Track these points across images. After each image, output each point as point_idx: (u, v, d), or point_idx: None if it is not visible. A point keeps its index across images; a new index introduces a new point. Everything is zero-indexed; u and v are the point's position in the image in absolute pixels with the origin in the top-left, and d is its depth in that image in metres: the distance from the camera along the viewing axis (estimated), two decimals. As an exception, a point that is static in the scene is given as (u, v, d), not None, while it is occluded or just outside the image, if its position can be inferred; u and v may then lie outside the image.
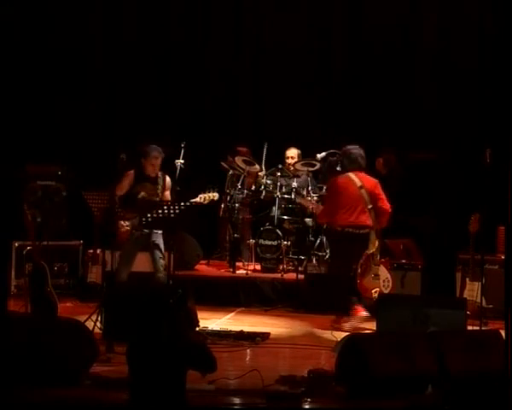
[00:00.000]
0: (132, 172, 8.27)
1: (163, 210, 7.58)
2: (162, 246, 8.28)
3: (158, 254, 8.27)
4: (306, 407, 5.93)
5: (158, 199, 8.20)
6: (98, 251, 9.79)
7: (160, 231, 8.22)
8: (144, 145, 8.36)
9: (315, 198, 10.08)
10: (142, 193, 8.25)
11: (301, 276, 9.96)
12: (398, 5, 11.36)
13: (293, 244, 10.47)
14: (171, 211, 7.55)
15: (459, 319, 7.23)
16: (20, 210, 8.33)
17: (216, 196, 8.29)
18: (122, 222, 8.02)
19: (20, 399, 5.72)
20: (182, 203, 7.64)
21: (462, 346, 6.23)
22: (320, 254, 10.26)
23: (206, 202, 8.16)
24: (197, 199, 8.10)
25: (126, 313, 7.15)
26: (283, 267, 10.27)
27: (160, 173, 8.38)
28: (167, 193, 8.35)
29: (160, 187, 8.31)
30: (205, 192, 8.18)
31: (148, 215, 7.65)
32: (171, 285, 7.81)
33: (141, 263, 8.76)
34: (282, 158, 10.85)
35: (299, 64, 11.75)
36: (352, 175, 8.55)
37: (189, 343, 5.06)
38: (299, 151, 10.81)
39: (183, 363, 4.99)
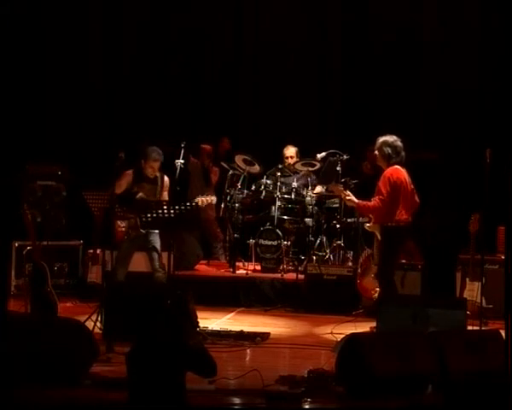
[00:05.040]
0: (131, 172, 8.31)
1: (162, 211, 7.60)
2: (159, 245, 8.34)
3: (155, 253, 8.32)
4: (306, 407, 5.93)
5: (156, 199, 8.22)
6: (98, 251, 9.80)
7: (156, 231, 8.29)
8: (145, 146, 8.39)
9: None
10: (141, 193, 8.28)
11: (301, 276, 9.97)
12: (399, 5, 11.36)
13: (293, 244, 10.48)
14: (170, 212, 7.58)
15: (459, 319, 7.23)
16: (20, 210, 8.33)
17: (214, 199, 8.43)
18: (119, 222, 8.07)
19: (20, 399, 5.72)
20: (180, 206, 7.68)
21: (462, 346, 6.23)
22: (320, 254, 10.26)
23: (203, 205, 8.28)
24: (194, 203, 8.13)
25: (126, 313, 7.17)
26: (283, 267, 10.26)
27: (158, 174, 8.41)
28: (165, 193, 8.40)
29: (158, 188, 8.36)
30: (203, 196, 8.30)
31: (148, 215, 7.66)
32: (169, 286, 7.82)
33: (138, 263, 8.78)
34: (281, 157, 10.84)
35: (299, 64, 11.76)
36: (400, 168, 7.98)
37: (188, 349, 5.05)
38: (297, 148, 10.82)
39: (183, 367, 5.00)
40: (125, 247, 8.30)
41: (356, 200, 8.11)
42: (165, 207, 7.63)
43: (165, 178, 8.45)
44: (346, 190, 8.33)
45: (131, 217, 8.14)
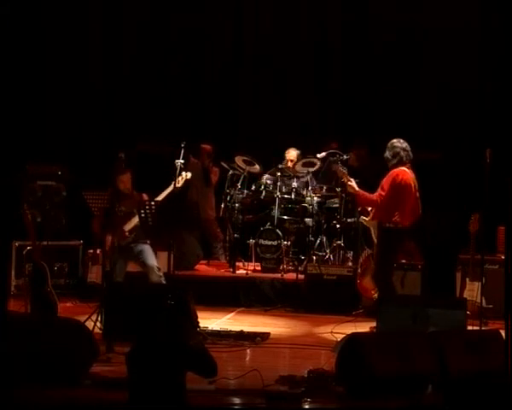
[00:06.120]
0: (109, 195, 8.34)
1: (147, 209, 7.74)
2: (150, 258, 8.43)
3: (145, 261, 8.38)
4: (306, 407, 5.94)
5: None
6: (98, 251, 9.80)
7: (145, 244, 8.42)
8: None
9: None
10: (122, 208, 8.33)
11: (301, 276, 9.97)
12: (399, 5, 11.36)
13: (293, 244, 10.48)
14: (153, 207, 7.75)
15: (459, 319, 7.23)
16: (20, 210, 8.33)
17: (189, 174, 8.51)
18: (108, 236, 8.06)
19: (20, 399, 5.72)
20: (159, 198, 8.06)
21: (462, 346, 6.24)
22: (320, 254, 10.26)
23: (180, 184, 8.39)
24: (171, 187, 8.32)
25: (126, 313, 7.17)
26: (283, 267, 10.26)
27: (134, 192, 8.51)
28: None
29: (137, 201, 8.38)
30: (176, 177, 8.41)
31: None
32: (170, 286, 7.83)
33: (134, 264, 8.78)
34: (280, 157, 10.84)
35: (300, 64, 11.76)
36: (409, 171, 8.05)
37: (188, 349, 5.05)
38: (299, 152, 10.81)
39: (183, 367, 5.00)
40: (116, 257, 8.29)
41: (357, 187, 8.19)
42: (147, 207, 7.76)
43: (143, 195, 8.47)
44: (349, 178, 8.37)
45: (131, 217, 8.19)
